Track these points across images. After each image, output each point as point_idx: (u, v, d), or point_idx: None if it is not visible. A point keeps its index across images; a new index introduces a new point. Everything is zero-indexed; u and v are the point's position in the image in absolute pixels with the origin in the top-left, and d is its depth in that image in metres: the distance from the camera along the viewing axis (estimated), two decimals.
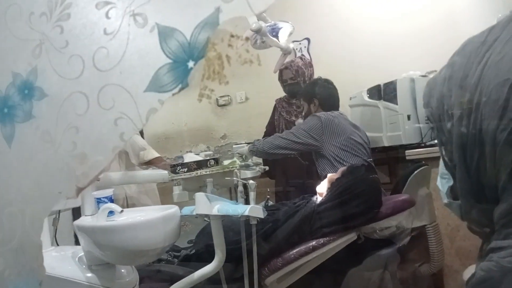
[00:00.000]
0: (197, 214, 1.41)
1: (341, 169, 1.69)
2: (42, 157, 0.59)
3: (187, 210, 1.48)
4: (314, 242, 1.48)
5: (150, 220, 1.26)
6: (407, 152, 2.06)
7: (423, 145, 2.08)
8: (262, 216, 1.36)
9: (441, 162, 0.82)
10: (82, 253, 1.31)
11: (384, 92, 2.31)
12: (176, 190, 2.01)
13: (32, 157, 0.59)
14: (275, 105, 2.67)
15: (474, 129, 0.69)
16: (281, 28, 2.01)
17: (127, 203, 2.35)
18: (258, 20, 1.89)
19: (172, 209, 1.31)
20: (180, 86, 0.52)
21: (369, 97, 2.42)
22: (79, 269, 1.28)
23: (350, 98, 2.56)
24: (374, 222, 1.54)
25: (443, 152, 0.79)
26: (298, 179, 2.33)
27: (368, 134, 2.24)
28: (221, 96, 3.27)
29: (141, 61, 0.54)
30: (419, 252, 1.84)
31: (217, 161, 2.04)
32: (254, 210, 1.35)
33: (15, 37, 0.63)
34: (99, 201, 1.37)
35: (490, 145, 0.67)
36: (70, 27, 0.59)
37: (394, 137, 2.23)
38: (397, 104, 2.22)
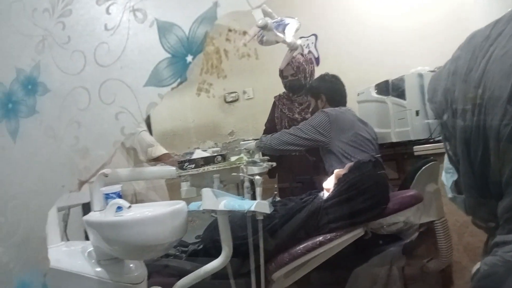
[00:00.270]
0: (204, 209, 1.42)
1: (348, 164, 1.68)
2: (46, 151, 0.60)
3: (194, 206, 1.49)
4: (321, 238, 1.48)
5: (157, 215, 1.27)
6: (415, 148, 2.05)
7: (431, 140, 2.06)
8: (268, 212, 1.36)
9: (445, 156, 0.82)
10: (92, 248, 1.33)
11: (392, 88, 2.29)
12: (184, 186, 2.02)
13: (36, 152, 0.61)
14: (274, 102, 2.66)
15: (478, 123, 0.68)
16: (288, 24, 2.00)
17: (136, 199, 2.37)
18: (264, 16, 1.88)
19: (179, 205, 1.31)
20: (179, 80, 0.52)
21: (377, 93, 2.40)
22: (88, 264, 1.29)
23: (358, 94, 2.55)
24: (381, 218, 1.53)
25: (448, 147, 0.79)
26: (305, 175, 2.33)
27: (376, 130, 2.23)
28: (228, 93, 3.28)
29: (141, 56, 0.55)
30: (427, 248, 1.83)
31: (224, 158, 2.04)
32: (260, 205, 1.35)
33: (19, 33, 0.64)
34: (107, 196, 1.39)
35: (493, 139, 0.67)
36: (72, 23, 0.60)
37: (403, 133, 2.21)
38: (405, 99, 2.20)
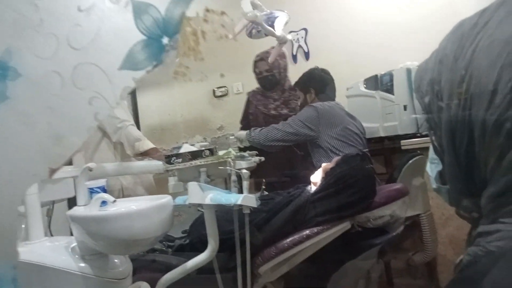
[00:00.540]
0: (190, 203, 1.41)
1: (335, 158, 1.68)
2: (18, 139, 0.58)
3: (180, 200, 1.48)
4: (308, 231, 1.48)
5: (142, 209, 1.26)
6: (403, 142, 2.06)
7: (418, 135, 2.08)
8: (255, 205, 1.35)
9: (430, 147, 0.82)
10: (76, 243, 1.31)
11: (381, 83, 2.30)
12: (172, 181, 2.00)
13: (7, 139, 0.59)
14: (248, 98, 2.61)
15: (464, 113, 0.68)
16: (277, 17, 1.98)
17: (123, 194, 2.35)
18: (253, 9, 1.86)
19: (165, 199, 1.30)
20: (154, 63, 0.51)
21: (366, 88, 2.41)
22: (72, 259, 1.27)
23: (347, 89, 2.55)
24: (368, 211, 1.53)
25: (433, 137, 0.79)
26: (293, 169, 2.32)
27: (365, 124, 2.24)
28: (218, 87, 3.26)
29: (116, 38, 0.53)
30: (413, 241, 1.84)
31: (212, 152, 2.03)
32: (247, 199, 1.34)
33: None
34: (92, 191, 1.37)
35: (479, 129, 0.66)
36: (45, 4, 0.57)
37: (391, 127, 2.23)
38: (393, 94, 2.21)
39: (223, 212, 1.49)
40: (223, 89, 3.26)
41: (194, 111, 3.31)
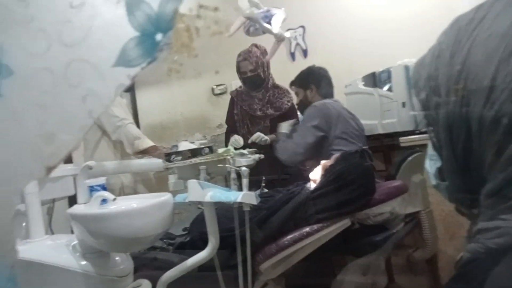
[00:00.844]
0: (189, 201, 1.41)
1: (335, 155, 1.68)
2: (11, 137, 0.58)
3: (180, 198, 1.48)
4: (308, 228, 1.48)
5: (143, 207, 1.26)
6: (402, 139, 2.06)
7: (417, 132, 2.07)
8: (254, 203, 1.35)
9: (429, 143, 0.81)
10: (76, 241, 1.31)
11: (379, 80, 2.30)
12: (172, 178, 2.01)
13: (1, 138, 0.58)
14: (232, 98, 2.56)
15: (461, 108, 0.68)
16: (274, 14, 1.98)
17: (124, 193, 2.35)
18: (250, 6, 1.86)
19: (165, 197, 1.30)
20: (148, 60, 0.50)
21: (364, 85, 2.41)
22: (73, 257, 1.27)
23: (346, 86, 2.55)
24: (367, 208, 1.53)
25: (431, 133, 0.78)
26: (293, 168, 2.31)
27: (363, 121, 2.24)
28: (217, 85, 3.26)
29: (108, 35, 0.53)
30: (413, 238, 1.84)
31: (211, 150, 2.03)
32: (246, 196, 1.34)
33: None
34: (92, 189, 1.37)
35: (476, 124, 0.66)
36: (36, 0, 0.57)
37: (389, 124, 2.22)
38: (392, 91, 2.20)
39: (224, 210, 1.49)
40: (222, 86, 3.26)
41: (193, 109, 3.31)
